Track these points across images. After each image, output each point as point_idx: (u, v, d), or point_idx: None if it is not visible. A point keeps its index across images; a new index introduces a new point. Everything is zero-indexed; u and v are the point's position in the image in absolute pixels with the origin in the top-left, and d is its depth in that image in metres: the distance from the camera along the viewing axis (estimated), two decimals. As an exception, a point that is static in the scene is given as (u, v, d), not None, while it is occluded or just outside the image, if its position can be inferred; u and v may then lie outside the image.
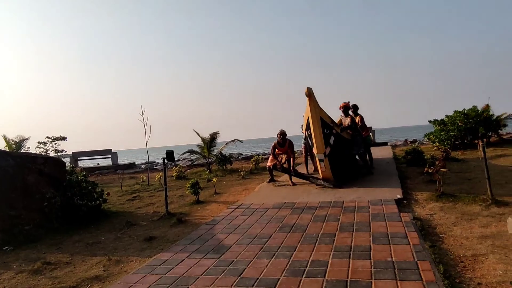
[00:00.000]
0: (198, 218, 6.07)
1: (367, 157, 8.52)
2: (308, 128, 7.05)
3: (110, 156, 20.11)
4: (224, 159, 13.23)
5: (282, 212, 5.46)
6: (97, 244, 5.07)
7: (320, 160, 6.86)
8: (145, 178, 12.17)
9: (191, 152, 13.69)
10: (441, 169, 5.63)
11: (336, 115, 7.91)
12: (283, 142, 7.75)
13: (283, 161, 7.82)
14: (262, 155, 17.64)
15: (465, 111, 13.10)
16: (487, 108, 13.05)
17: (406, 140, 19.78)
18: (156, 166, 18.36)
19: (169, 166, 15.89)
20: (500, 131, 13.65)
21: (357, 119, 8.43)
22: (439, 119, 14.32)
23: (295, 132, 9.67)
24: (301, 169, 9.47)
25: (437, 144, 12.60)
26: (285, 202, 6.09)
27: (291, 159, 7.64)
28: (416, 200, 5.74)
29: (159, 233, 5.37)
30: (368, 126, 9.38)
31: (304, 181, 7.72)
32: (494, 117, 12.98)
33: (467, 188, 6.38)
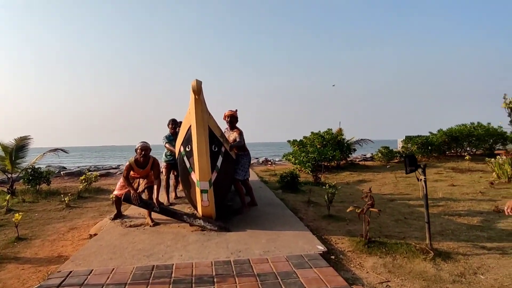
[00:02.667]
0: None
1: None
2: (187, 141, 4.76)
3: None
4: (38, 176, 9.34)
5: (156, 295, 2.99)
6: None
7: (203, 191, 4.65)
8: None
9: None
10: (371, 209, 4.26)
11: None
12: (145, 161, 5.17)
13: (140, 189, 5.24)
14: (96, 170, 13.90)
15: (321, 133, 13.16)
16: (340, 131, 13.43)
17: (259, 160, 19.27)
18: None
19: None
20: (350, 155, 14.29)
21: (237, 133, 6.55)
22: (292, 139, 14.10)
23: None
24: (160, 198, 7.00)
25: (298, 166, 12.09)
26: (154, 266, 3.59)
27: (155, 186, 5.13)
28: (342, 252, 4.16)
29: None
30: None
31: (169, 217, 5.31)
32: (346, 140, 13.44)
33: (374, 226, 5.29)
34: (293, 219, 5.47)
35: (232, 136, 5.82)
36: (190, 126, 4.54)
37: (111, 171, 15.24)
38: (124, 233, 4.83)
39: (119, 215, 5.59)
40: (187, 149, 4.80)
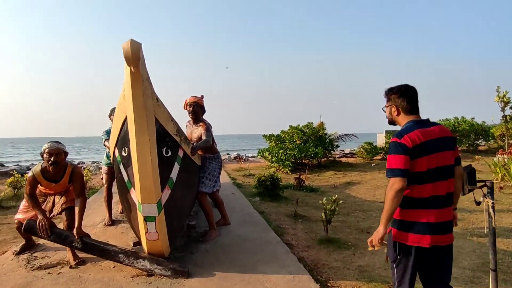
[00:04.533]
0: None
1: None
2: (123, 142, 3.06)
3: None
4: None
5: None
6: None
7: (148, 218, 3.00)
8: None
9: None
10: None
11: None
12: (59, 171, 3.42)
13: (56, 211, 3.50)
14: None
15: (301, 127, 11.74)
16: (321, 125, 12.04)
17: (230, 155, 17.43)
18: None
19: None
20: (333, 151, 12.92)
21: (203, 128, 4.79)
22: (270, 133, 12.61)
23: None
24: (100, 212, 5.29)
25: (275, 165, 10.58)
26: None
27: (77, 208, 3.40)
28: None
29: None
30: None
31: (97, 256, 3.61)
32: (328, 135, 12.10)
33: (382, 258, 3.84)
34: (281, 249, 3.92)
35: (196, 132, 4.17)
36: (126, 118, 2.85)
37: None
38: (25, 284, 3.09)
39: (28, 246, 3.82)
40: (123, 154, 3.10)
